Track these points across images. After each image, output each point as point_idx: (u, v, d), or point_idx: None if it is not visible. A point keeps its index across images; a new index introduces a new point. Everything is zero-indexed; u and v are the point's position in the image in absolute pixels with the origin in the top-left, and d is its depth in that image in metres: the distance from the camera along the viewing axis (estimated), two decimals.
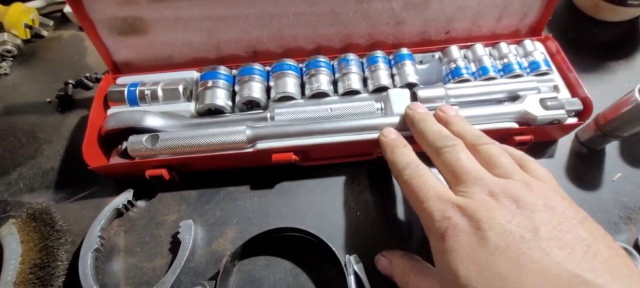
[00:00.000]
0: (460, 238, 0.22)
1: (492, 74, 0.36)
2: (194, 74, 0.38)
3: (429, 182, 0.26)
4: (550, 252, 0.20)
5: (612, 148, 0.38)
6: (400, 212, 0.34)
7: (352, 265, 0.29)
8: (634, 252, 0.32)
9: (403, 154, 0.29)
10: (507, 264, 0.20)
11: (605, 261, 0.20)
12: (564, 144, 0.38)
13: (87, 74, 0.43)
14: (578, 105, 0.34)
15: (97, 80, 0.43)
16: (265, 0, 0.35)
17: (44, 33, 0.49)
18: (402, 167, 0.28)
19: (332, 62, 0.38)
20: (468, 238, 0.22)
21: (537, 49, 0.38)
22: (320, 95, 0.36)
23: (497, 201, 0.23)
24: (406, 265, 0.28)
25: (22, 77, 0.46)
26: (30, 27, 0.47)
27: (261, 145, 0.33)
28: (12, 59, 0.47)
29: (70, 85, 0.42)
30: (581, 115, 0.35)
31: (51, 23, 0.50)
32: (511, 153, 0.28)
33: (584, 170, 0.37)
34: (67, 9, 0.48)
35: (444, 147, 0.27)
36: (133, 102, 0.36)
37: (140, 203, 0.35)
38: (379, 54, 0.37)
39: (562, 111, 0.34)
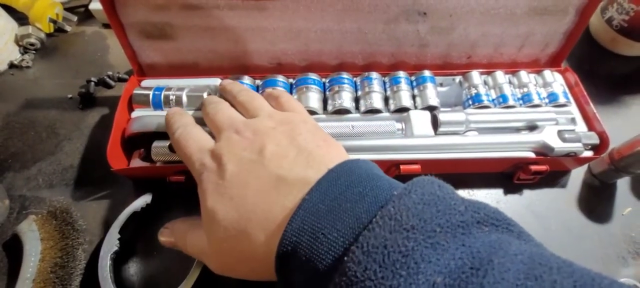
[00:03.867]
0: (210, 177, 0.24)
1: (511, 102, 0.37)
2: (218, 82, 0.38)
3: (194, 137, 0.27)
4: (268, 165, 0.23)
5: (623, 183, 0.38)
6: None
7: None
8: None
9: (177, 120, 0.30)
10: (237, 187, 0.23)
11: (306, 159, 0.23)
12: (577, 175, 0.39)
13: (110, 73, 0.43)
14: (595, 139, 0.35)
15: (120, 80, 0.43)
16: (295, 15, 0.35)
17: (67, 28, 0.49)
18: (174, 130, 0.29)
19: (354, 79, 0.39)
20: (214, 175, 0.24)
21: (556, 80, 0.39)
22: (342, 111, 0.37)
23: (240, 135, 0.25)
24: (184, 227, 0.28)
25: (44, 71, 0.46)
26: (54, 21, 0.48)
27: None
28: (34, 52, 0.47)
29: (93, 83, 0.43)
30: (597, 149, 0.36)
31: (75, 18, 0.50)
32: (269, 94, 0.31)
33: (595, 203, 0.37)
34: (92, 5, 0.48)
35: (209, 108, 0.30)
36: (157, 106, 0.36)
37: (159, 207, 0.35)
38: (402, 74, 0.38)
39: (579, 144, 0.34)
